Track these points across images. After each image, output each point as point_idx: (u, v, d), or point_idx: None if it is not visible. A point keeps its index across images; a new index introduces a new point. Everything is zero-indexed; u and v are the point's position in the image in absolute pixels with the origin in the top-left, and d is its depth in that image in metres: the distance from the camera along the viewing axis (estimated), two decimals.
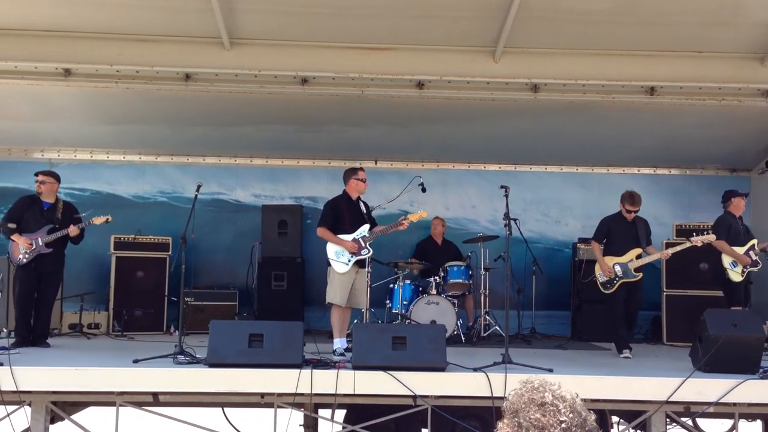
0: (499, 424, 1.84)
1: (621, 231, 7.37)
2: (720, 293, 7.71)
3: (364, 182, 7.02)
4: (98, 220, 7.23)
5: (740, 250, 7.39)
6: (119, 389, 5.50)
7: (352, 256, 6.75)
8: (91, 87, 7.89)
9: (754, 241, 7.46)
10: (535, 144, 9.58)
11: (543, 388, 1.84)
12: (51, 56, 7.52)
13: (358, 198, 7.07)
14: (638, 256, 7.20)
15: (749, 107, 8.19)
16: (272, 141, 9.64)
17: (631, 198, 7.34)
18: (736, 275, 7.44)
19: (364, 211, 7.05)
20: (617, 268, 7.21)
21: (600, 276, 7.33)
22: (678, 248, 7.19)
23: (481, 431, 5.60)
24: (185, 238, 6.42)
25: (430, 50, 7.63)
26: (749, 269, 7.40)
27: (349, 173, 7.05)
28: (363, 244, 6.80)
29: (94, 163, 9.95)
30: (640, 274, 7.17)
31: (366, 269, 7.05)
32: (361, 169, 7.13)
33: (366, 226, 6.88)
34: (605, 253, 7.39)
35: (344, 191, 7.06)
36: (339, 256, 6.75)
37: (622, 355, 7.10)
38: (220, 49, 7.51)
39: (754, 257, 7.40)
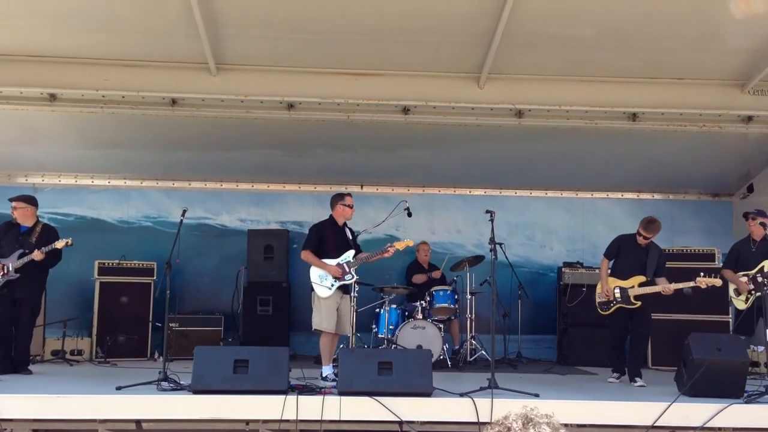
0: None
1: (631, 254, 7.20)
2: (705, 317, 7.75)
3: (351, 208, 7.01)
4: (60, 244, 7.06)
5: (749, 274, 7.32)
6: (102, 417, 5.42)
7: (335, 281, 6.70)
8: (77, 112, 7.86)
9: (765, 263, 7.25)
10: (520, 169, 9.66)
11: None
12: (36, 81, 7.50)
13: (345, 224, 7.05)
14: (641, 284, 7.03)
15: (730, 133, 8.29)
16: (258, 165, 9.65)
17: (646, 224, 7.12)
18: (740, 303, 7.42)
19: (350, 237, 7.03)
20: (617, 291, 7.10)
21: (599, 296, 7.25)
22: (681, 285, 6.99)
23: None
24: (170, 263, 6.38)
25: (415, 76, 7.69)
26: (755, 294, 7.17)
27: (336, 198, 7.05)
28: (347, 270, 6.77)
29: (78, 188, 9.91)
30: (639, 303, 6.99)
31: (350, 295, 7.01)
32: (349, 194, 7.12)
33: (351, 252, 6.86)
34: (610, 274, 7.27)
35: (330, 216, 7.05)
36: (322, 280, 6.72)
37: (608, 379, 7.07)
38: (206, 74, 7.53)
39: (760, 280, 7.09)
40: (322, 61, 7.51)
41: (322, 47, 7.30)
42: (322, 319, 6.70)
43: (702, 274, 6.99)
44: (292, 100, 7.79)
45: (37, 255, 7.01)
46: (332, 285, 6.71)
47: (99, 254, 8.88)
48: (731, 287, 7.51)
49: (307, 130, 8.46)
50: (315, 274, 6.77)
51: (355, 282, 6.87)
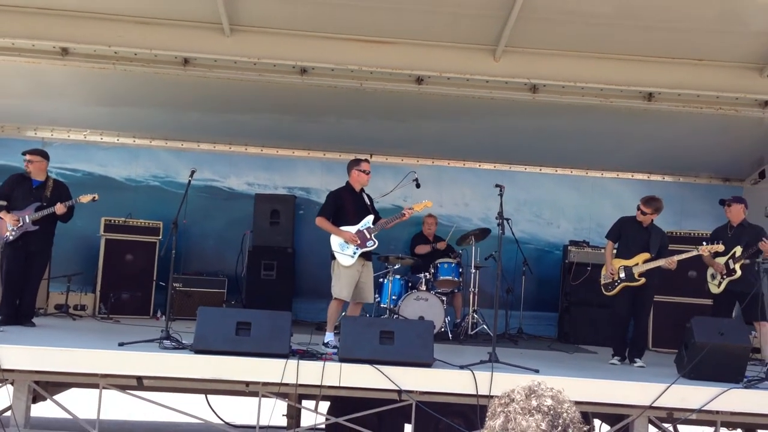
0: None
1: (633, 234, 7.18)
2: (707, 301, 7.74)
3: (367, 174, 6.86)
4: (85, 198, 7.13)
5: (722, 260, 7.32)
6: (103, 372, 5.48)
7: (357, 249, 6.57)
8: (89, 67, 7.83)
9: (737, 249, 7.25)
10: (531, 144, 9.59)
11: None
12: (49, 34, 7.45)
13: (362, 190, 6.92)
14: (645, 261, 7.00)
15: (746, 117, 8.20)
16: (268, 130, 9.60)
17: (647, 200, 7.13)
18: (713, 287, 7.44)
19: (368, 203, 6.90)
20: (621, 270, 7.05)
21: (603, 277, 7.22)
22: (684, 256, 6.99)
23: (464, 429, 5.60)
24: (177, 224, 6.39)
25: (431, 46, 7.60)
26: (726, 279, 7.26)
27: (352, 164, 6.91)
28: (368, 236, 6.63)
29: (87, 144, 9.88)
30: (643, 279, 6.95)
31: (371, 262, 6.88)
32: (366, 160, 6.98)
33: (370, 217, 6.72)
34: (614, 256, 7.24)
35: (347, 183, 6.91)
36: (344, 249, 6.57)
37: (610, 361, 7.08)
38: (220, 35, 7.46)
39: (732, 266, 7.21)
40: (337, 27, 7.43)
41: (338, 12, 7.22)
42: (341, 287, 6.59)
43: (704, 242, 7.05)
44: (305, 65, 7.72)
45: (60, 208, 7.03)
46: (354, 253, 6.57)
47: (105, 211, 8.87)
48: (708, 271, 7.51)
49: (319, 96, 8.41)
50: (336, 242, 6.61)
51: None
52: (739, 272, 7.19)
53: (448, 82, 7.86)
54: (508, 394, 1.84)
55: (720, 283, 7.35)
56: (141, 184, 9.96)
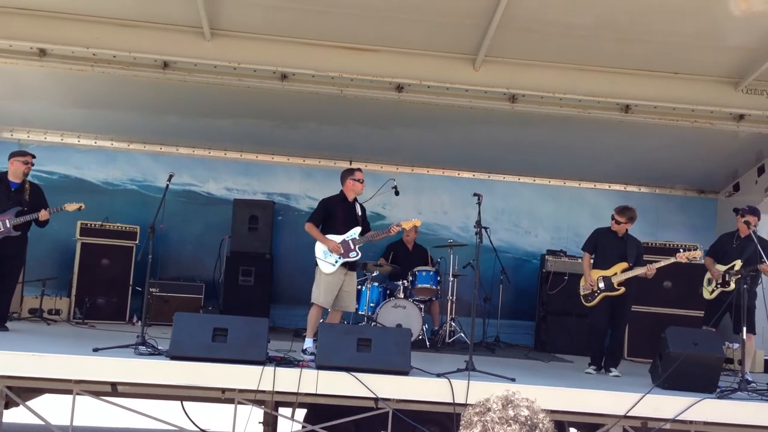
0: None
1: (609, 245, 7.24)
2: (683, 312, 7.83)
3: (361, 183, 6.90)
4: (71, 207, 7.04)
5: (722, 268, 7.40)
6: (77, 377, 5.41)
7: (339, 258, 6.63)
8: (66, 69, 7.74)
9: (737, 263, 7.29)
10: (510, 154, 9.65)
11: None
12: (26, 35, 7.36)
13: (355, 200, 6.96)
14: (623, 271, 7.04)
15: (720, 131, 8.31)
16: (248, 135, 9.57)
17: (621, 209, 7.20)
18: (706, 292, 7.53)
19: (359, 214, 6.95)
20: (600, 281, 7.09)
21: (583, 288, 7.26)
22: (663, 263, 7.04)
23: None
24: (154, 228, 6.34)
25: (411, 54, 7.63)
26: (719, 288, 7.34)
27: (346, 173, 6.97)
28: (352, 247, 6.68)
29: (64, 147, 9.79)
30: (623, 289, 7.01)
31: (356, 272, 6.94)
32: (359, 169, 7.04)
33: (357, 229, 6.78)
34: (592, 267, 7.29)
35: (341, 191, 6.95)
36: (326, 256, 6.62)
37: (586, 370, 7.12)
38: (200, 38, 7.42)
39: (728, 278, 7.27)
40: (318, 33, 7.44)
41: (320, 19, 7.23)
42: (320, 293, 6.64)
43: (681, 249, 7.10)
44: (285, 71, 7.71)
45: (43, 215, 6.93)
46: (336, 261, 6.62)
47: (81, 215, 8.70)
48: (707, 275, 7.59)
49: (300, 103, 8.40)
50: (320, 249, 6.67)
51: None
52: (732, 285, 7.22)
53: (428, 90, 7.89)
54: (483, 404, 1.84)
55: (713, 291, 7.43)
56: (118, 188, 9.87)
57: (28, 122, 9.52)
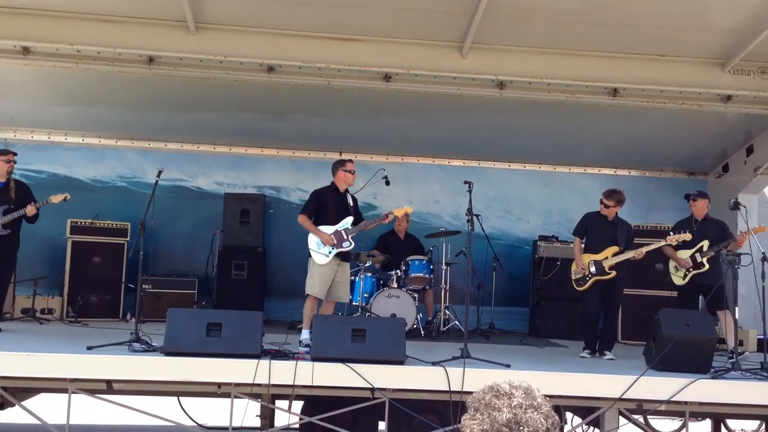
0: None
1: (599, 229, 7.29)
2: (673, 293, 7.86)
3: (353, 174, 6.93)
4: (56, 198, 7.05)
5: (686, 253, 7.46)
6: (72, 376, 5.39)
7: (333, 248, 6.65)
8: (51, 66, 7.67)
9: (704, 243, 7.39)
10: (500, 141, 9.65)
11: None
12: (9, 33, 7.28)
13: (346, 191, 6.98)
14: (614, 255, 7.09)
15: (708, 112, 8.34)
16: (236, 129, 9.53)
17: (608, 193, 7.28)
18: (677, 279, 7.58)
19: (351, 204, 6.97)
20: (591, 265, 7.13)
21: (574, 273, 7.30)
22: (652, 247, 7.14)
23: (438, 425, 5.62)
24: (144, 224, 6.32)
25: (398, 43, 7.59)
26: (692, 272, 7.40)
27: (338, 165, 6.99)
28: (345, 237, 6.70)
29: (51, 145, 9.72)
30: (614, 272, 7.05)
31: (349, 262, 6.97)
32: (350, 161, 7.06)
33: (349, 219, 6.80)
34: (583, 251, 7.33)
35: (332, 183, 6.97)
36: (320, 248, 6.64)
37: (580, 354, 7.15)
38: (185, 32, 7.36)
39: (700, 260, 7.35)
40: (304, 24, 7.39)
41: (305, 10, 7.18)
42: (314, 284, 6.66)
43: (671, 232, 7.25)
44: (272, 63, 7.66)
45: (31, 209, 6.92)
46: (329, 252, 6.65)
47: (71, 213, 8.73)
48: (671, 263, 7.63)
49: (287, 95, 8.36)
50: (313, 240, 6.70)
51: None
52: (707, 266, 7.33)
53: (415, 79, 7.86)
54: (504, 391, 1.83)
55: (685, 275, 7.47)
56: (107, 185, 9.83)
57: (14, 121, 9.45)
